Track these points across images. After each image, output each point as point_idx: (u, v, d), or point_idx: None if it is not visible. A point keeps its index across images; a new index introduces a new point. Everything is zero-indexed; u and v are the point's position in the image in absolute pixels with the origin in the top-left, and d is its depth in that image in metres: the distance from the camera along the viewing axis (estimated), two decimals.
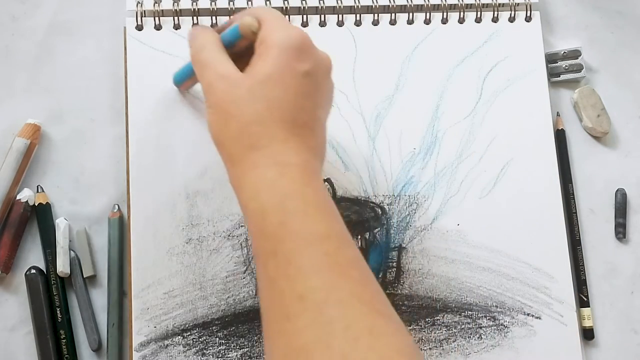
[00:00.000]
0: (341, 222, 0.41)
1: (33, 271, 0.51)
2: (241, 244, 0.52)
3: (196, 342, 0.51)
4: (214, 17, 0.56)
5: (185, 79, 0.52)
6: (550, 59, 0.60)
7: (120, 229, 0.53)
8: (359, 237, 0.53)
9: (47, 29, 0.56)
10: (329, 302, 0.36)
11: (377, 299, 0.39)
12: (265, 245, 0.39)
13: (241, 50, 0.45)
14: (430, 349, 0.52)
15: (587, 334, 0.55)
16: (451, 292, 0.54)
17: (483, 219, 0.55)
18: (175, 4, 0.55)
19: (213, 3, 0.56)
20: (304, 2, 0.56)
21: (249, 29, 0.44)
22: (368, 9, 0.57)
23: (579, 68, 0.59)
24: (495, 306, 0.54)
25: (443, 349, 0.53)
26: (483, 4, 0.59)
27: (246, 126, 0.41)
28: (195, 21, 0.55)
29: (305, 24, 0.57)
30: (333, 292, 0.37)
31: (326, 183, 0.54)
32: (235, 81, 0.42)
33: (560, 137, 0.58)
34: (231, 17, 0.48)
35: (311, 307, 0.36)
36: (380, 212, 0.54)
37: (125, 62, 0.54)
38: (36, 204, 0.53)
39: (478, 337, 0.53)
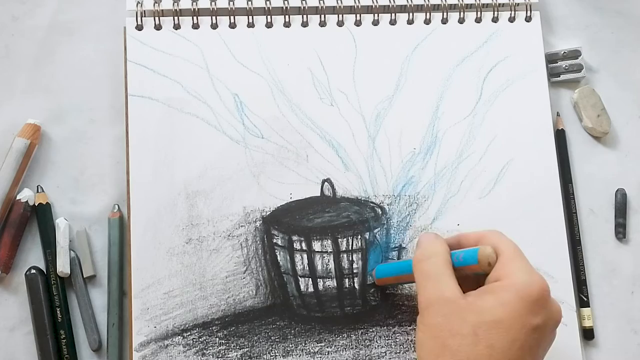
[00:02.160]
0: None
1: (33, 271, 0.51)
2: (241, 244, 0.52)
3: (196, 342, 0.51)
4: (213, 17, 0.56)
5: (390, 277, 0.51)
6: (550, 59, 0.60)
7: (120, 229, 0.53)
8: (359, 237, 0.53)
9: (47, 29, 0.56)
10: None
11: None
12: None
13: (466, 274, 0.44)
14: None
15: (587, 334, 0.55)
16: None
17: (483, 219, 0.55)
18: (175, 4, 0.55)
19: (213, 3, 0.56)
20: (304, 2, 0.56)
21: (487, 260, 0.43)
22: (368, 9, 0.57)
23: (579, 68, 0.59)
24: None
25: None
26: (483, 4, 0.59)
27: None
28: (195, 21, 0.55)
29: (305, 24, 0.57)
30: None
31: (326, 183, 0.54)
32: (461, 312, 0.41)
33: (560, 137, 0.58)
34: (467, 236, 0.47)
35: None
36: (380, 212, 0.54)
37: (125, 62, 0.54)
38: (36, 204, 0.53)
39: None
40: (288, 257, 0.52)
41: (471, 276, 0.44)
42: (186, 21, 0.55)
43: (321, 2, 0.57)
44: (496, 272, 0.42)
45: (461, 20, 0.58)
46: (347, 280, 0.53)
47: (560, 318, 0.44)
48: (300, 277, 0.52)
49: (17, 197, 0.52)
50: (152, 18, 0.55)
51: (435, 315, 0.42)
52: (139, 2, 0.55)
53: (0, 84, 0.55)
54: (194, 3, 0.55)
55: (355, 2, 0.57)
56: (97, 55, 0.56)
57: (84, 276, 0.52)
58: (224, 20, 0.56)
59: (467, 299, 0.42)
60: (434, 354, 0.41)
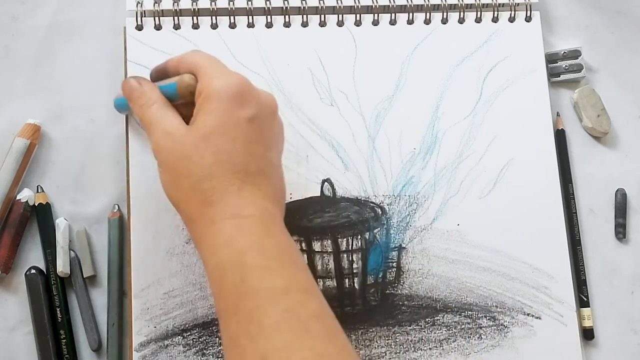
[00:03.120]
0: (304, 270, 0.40)
1: (33, 271, 0.51)
2: None
3: (196, 342, 0.51)
4: (213, 17, 0.56)
5: (125, 109, 0.51)
6: (550, 59, 0.60)
7: (120, 229, 0.53)
8: (359, 237, 0.53)
9: (47, 29, 0.56)
10: None
11: (343, 354, 0.38)
12: (226, 302, 0.39)
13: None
14: (430, 349, 0.52)
15: (587, 334, 0.55)
16: (451, 292, 0.54)
17: (483, 219, 0.55)
18: (175, 4, 0.55)
19: (213, 3, 0.56)
20: (304, 2, 0.56)
21: (187, 90, 0.43)
22: (368, 9, 0.57)
23: (579, 68, 0.59)
24: (495, 306, 0.54)
25: (443, 349, 0.53)
26: (483, 4, 0.59)
27: (197, 183, 0.41)
28: (195, 21, 0.55)
29: (305, 24, 0.57)
30: (295, 352, 0.36)
31: (326, 183, 0.54)
32: (181, 138, 0.42)
33: (560, 137, 0.58)
34: (169, 62, 0.47)
35: None
36: (380, 212, 0.54)
37: (125, 62, 0.54)
38: (36, 204, 0.53)
39: (478, 337, 0.53)
40: None
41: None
42: (186, 21, 0.55)
43: (321, 2, 0.57)
44: (198, 90, 0.43)
45: (461, 20, 0.58)
46: (347, 280, 0.53)
47: (274, 105, 0.44)
48: None
49: (17, 197, 0.52)
50: (152, 18, 0.55)
51: (162, 151, 0.42)
52: (139, 2, 0.55)
53: (0, 84, 0.55)
54: (194, 3, 0.55)
55: (355, 2, 0.57)
56: (97, 55, 0.56)
57: (84, 276, 0.52)
58: (224, 20, 0.56)
59: (184, 127, 0.42)
60: (174, 185, 0.42)
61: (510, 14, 0.59)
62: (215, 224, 0.40)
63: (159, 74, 0.47)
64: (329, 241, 0.53)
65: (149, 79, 0.48)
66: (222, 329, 0.39)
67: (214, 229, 0.40)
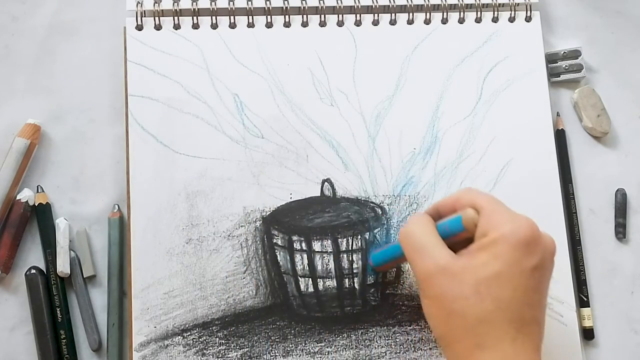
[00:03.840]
0: None
1: (33, 271, 0.51)
2: (241, 244, 0.52)
3: (196, 342, 0.51)
4: (213, 18, 0.56)
5: (387, 262, 0.51)
6: (550, 59, 0.60)
7: (120, 229, 0.53)
8: (359, 237, 0.53)
9: (47, 29, 0.56)
10: None
11: None
12: None
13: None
14: (430, 349, 0.52)
15: (587, 334, 0.55)
16: None
17: None
18: (175, 4, 0.55)
19: (213, 3, 0.56)
20: (304, 2, 0.56)
21: (472, 223, 0.43)
22: (368, 9, 0.57)
23: (579, 68, 0.59)
24: None
25: None
26: (483, 4, 0.59)
27: (472, 326, 0.40)
28: (195, 21, 0.55)
29: (305, 24, 0.57)
30: None
31: (326, 183, 0.54)
32: (459, 275, 0.41)
33: (560, 137, 0.58)
34: (444, 201, 0.47)
35: None
36: (380, 212, 0.54)
37: (125, 62, 0.54)
38: (36, 204, 0.53)
39: None
40: (288, 257, 0.52)
41: (459, 240, 0.44)
42: (186, 21, 0.55)
43: (321, 2, 0.57)
44: (481, 228, 0.42)
45: (461, 20, 0.58)
46: (347, 280, 0.53)
47: (554, 247, 0.44)
48: (300, 277, 0.52)
49: (17, 197, 0.52)
50: (152, 18, 0.55)
51: (434, 286, 0.42)
52: (139, 2, 0.55)
53: (0, 84, 0.55)
54: (194, 3, 0.55)
55: (355, 2, 0.57)
56: (97, 55, 0.56)
57: (84, 276, 0.52)
58: (224, 20, 0.56)
59: (461, 261, 0.42)
60: (444, 321, 0.42)
61: (510, 14, 0.59)
62: None
63: (433, 217, 0.46)
64: (329, 241, 0.53)
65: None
66: None
67: None
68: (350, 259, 0.53)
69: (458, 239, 0.44)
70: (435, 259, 0.42)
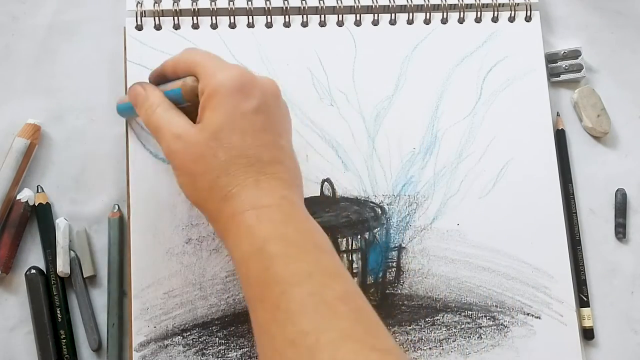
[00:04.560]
0: (329, 253, 0.41)
1: (33, 271, 0.51)
2: None
3: (196, 342, 0.51)
4: (213, 18, 0.56)
5: (131, 114, 0.50)
6: (550, 59, 0.60)
7: (120, 229, 0.53)
8: (359, 236, 0.53)
9: (48, 29, 0.57)
10: (320, 345, 0.36)
11: (372, 333, 0.38)
12: (253, 291, 0.39)
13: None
14: (430, 348, 0.52)
15: (587, 334, 0.55)
16: (451, 292, 0.54)
17: (483, 219, 0.55)
18: (175, 4, 0.55)
19: (213, 3, 0.56)
20: (304, 2, 0.57)
21: (193, 92, 0.43)
22: (368, 9, 0.57)
23: (579, 68, 0.59)
24: (495, 306, 0.54)
25: (443, 348, 0.53)
26: (483, 4, 0.59)
27: (214, 181, 0.41)
28: (195, 21, 0.55)
29: (305, 24, 0.57)
30: (323, 334, 0.36)
31: (326, 183, 0.54)
32: (191, 139, 0.42)
33: (560, 137, 0.58)
34: (166, 64, 0.47)
35: (303, 352, 0.36)
36: (380, 212, 0.54)
37: (125, 62, 0.54)
38: (36, 204, 0.53)
39: (478, 337, 0.53)
40: None
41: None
42: (186, 21, 0.55)
43: (321, 2, 0.57)
44: (201, 88, 0.43)
45: (461, 20, 0.58)
46: None
47: (276, 89, 0.44)
48: None
49: (17, 197, 0.52)
50: (152, 18, 0.55)
51: (176, 155, 0.43)
52: (139, 2, 0.55)
53: (0, 84, 0.55)
54: (194, 3, 0.55)
55: (355, 2, 0.57)
56: (97, 55, 0.56)
57: (84, 276, 0.52)
58: (224, 20, 0.56)
59: (194, 127, 0.42)
60: (192, 186, 0.43)
61: (510, 14, 0.59)
62: (236, 217, 0.41)
63: (158, 78, 0.48)
64: None
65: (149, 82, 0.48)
66: (252, 318, 0.40)
67: (235, 222, 0.41)
68: (350, 258, 0.53)
69: (191, 107, 0.44)
70: (172, 130, 0.43)
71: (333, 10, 0.57)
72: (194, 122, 0.43)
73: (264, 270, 0.39)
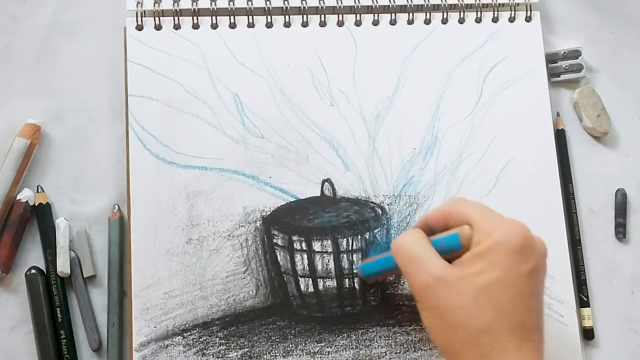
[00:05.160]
0: None
1: (33, 271, 0.51)
2: (241, 244, 0.52)
3: (196, 342, 0.51)
4: (213, 18, 0.56)
5: (378, 273, 0.50)
6: (550, 59, 0.60)
7: (120, 229, 0.53)
8: (359, 237, 0.53)
9: (47, 29, 0.56)
10: None
11: None
12: None
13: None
14: (430, 349, 0.52)
15: (587, 334, 0.55)
16: None
17: None
18: (175, 4, 0.55)
19: (213, 3, 0.56)
20: (304, 2, 0.56)
21: (470, 238, 0.42)
22: (368, 9, 0.57)
23: (579, 68, 0.59)
24: None
25: None
26: (483, 4, 0.59)
27: (475, 336, 0.40)
28: (195, 21, 0.55)
29: (305, 24, 0.57)
30: None
31: (326, 183, 0.54)
32: (456, 286, 0.41)
33: (560, 137, 0.58)
34: (430, 216, 0.46)
35: None
36: (380, 212, 0.54)
37: (125, 62, 0.54)
38: (36, 204, 0.53)
39: None
40: (288, 257, 0.52)
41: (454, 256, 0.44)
42: (186, 21, 0.55)
43: (321, 2, 0.57)
44: (475, 238, 0.42)
45: (461, 20, 0.58)
46: (347, 280, 0.53)
47: (546, 249, 0.43)
48: (300, 277, 0.52)
49: (17, 197, 0.52)
50: (152, 18, 0.55)
51: (431, 298, 0.42)
52: (139, 2, 0.55)
53: (0, 84, 0.55)
54: (194, 3, 0.55)
55: (355, 2, 0.57)
56: (97, 55, 0.56)
57: (84, 276, 0.52)
58: (224, 20, 0.56)
59: (457, 271, 0.41)
60: (446, 332, 0.41)
61: (510, 14, 0.59)
62: None
63: (424, 230, 0.46)
64: (329, 241, 0.53)
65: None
66: None
67: None
68: (350, 259, 0.53)
69: (454, 256, 0.44)
70: (431, 270, 0.42)
71: (333, 10, 0.57)
72: None
73: None
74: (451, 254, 0.44)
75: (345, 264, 0.53)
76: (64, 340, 0.51)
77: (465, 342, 0.41)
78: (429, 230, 0.46)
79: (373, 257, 0.51)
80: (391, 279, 0.53)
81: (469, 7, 0.58)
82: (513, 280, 0.40)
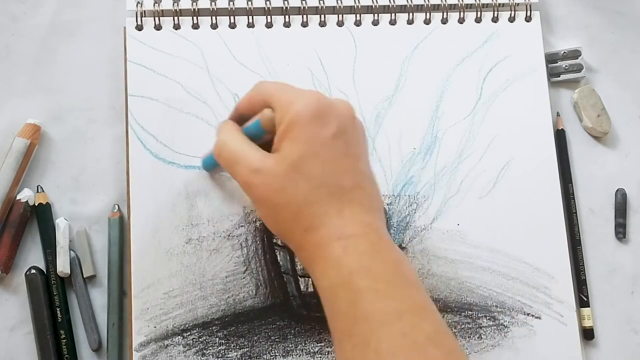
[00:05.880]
0: (416, 286, 0.40)
1: (33, 271, 0.51)
2: (241, 244, 0.52)
3: (196, 342, 0.51)
4: (213, 17, 0.56)
5: (216, 166, 0.51)
6: (550, 59, 0.60)
7: (120, 229, 0.53)
8: None
9: (47, 29, 0.56)
10: None
11: None
12: (340, 325, 0.39)
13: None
14: None
15: (587, 334, 0.55)
16: (451, 292, 0.54)
17: (483, 219, 0.55)
18: (175, 4, 0.55)
19: (213, 3, 0.56)
20: (304, 2, 0.57)
21: (271, 122, 0.43)
22: (368, 9, 0.57)
23: (579, 68, 0.59)
24: (495, 306, 0.54)
25: None
26: (483, 4, 0.59)
27: (298, 212, 0.41)
28: (195, 21, 0.55)
29: (305, 24, 0.57)
30: None
31: None
32: (270, 171, 0.41)
33: (560, 137, 0.58)
34: (239, 105, 0.47)
35: None
36: None
37: (125, 62, 0.54)
38: (36, 204, 0.53)
39: (478, 337, 0.53)
40: (288, 257, 0.52)
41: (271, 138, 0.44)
42: (186, 21, 0.55)
43: (321, 2, 0.57)
44: (277, 119, 0.42)
45: (461, 20, 0.58)
46: None
47: (351, 110, 0.43)
48: (300, 277, 0.52)
49: (17, 197, 0.52)
50: (152, 18, 0.55)
51: (255, 188, 0.42)
52: (139, 2, 0.55)
53: (0, 84, 0.55)
54: (194, 3, 0.55)
55: (355, 2, 0.57)
56: (97, 55, 0.56)
57: (84, 276, 0.52)
58: (224, 20, 0.56)
59: (271, 157, 0.42)
60: (274, 217, 0.42)
61: (510, 14, 0.59)
62: (322, 247, 0.40)
63: (236, 121, 0.47)
64: None
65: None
66: (337, 350, 0.39)
67: (321, 252, 0.40)
68: None
69: (268, 138, 0.44)
70: (249, 164, 0.42)
71: (333, 10, 0.57)
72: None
73: (352, 305, 0.38)
74: (263, 139, 0.44)
75: None
76: (64, 340, 0.51)
77: (291, 220, 0.41)
78: (241, 119, 0.46)
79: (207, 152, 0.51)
80: None
81: (469, 7, 0.58)
82: (317, 148, 0.41)
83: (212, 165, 0.52)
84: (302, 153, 0.41)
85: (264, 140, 0.44)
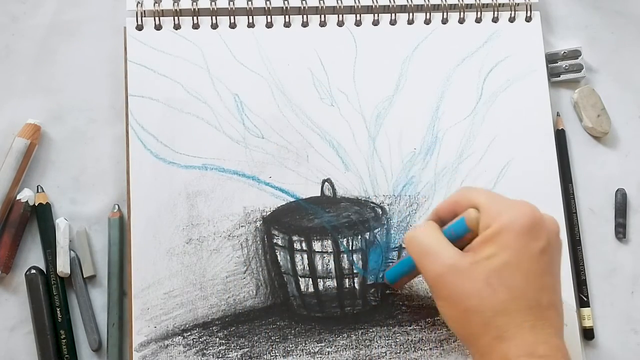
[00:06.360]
0: None
1: (33, 271, 0.51)
2: (241, 244, 0.52)
3: (196, 342, 0.51)
4: (214, 17, 0.56)
5: (401, 276, 0.50)
6: (550, 59, 0.60)
7: (120, 229, 0.53)
8: (359, 237, 0.53)
9: (48, 29, 0.56)
10: None
11: None
12: None
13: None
14: (430, 349, 0.52)
15: (587, 334, 0.55)
16: None
17: None
18: (175, 4, 0.55)
19: (213, 3, 0.56)
20: (304, 2, 0.56)
21: (476, 221, 0.43)
22: (368, 9, 0.57)
23: (579, 68, 0.59)
24: None
25: (443, 349, 0.53)
26: (483, 4, 0.59)
27: (491, 319, 0.40)
28: (195, 21, 0.55)
29: (305, 24, 0.57)
30: None
31: (327, 183, 0.54)
32: (468, 272, 0.41)
33: (560, 137, 0.58)
34: (439, 207, 0.47)
35: None
36: (380, 212, 0.54)
37: (125, 62, 0.54)
38: (36, 204, 0.53)
39: None
40: (288, 257, 0.52)
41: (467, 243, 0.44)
42: (186, 21, 0.55)
43: (321, 2, 0.57)
44: (484, 223, 0.42)
45: (461, 21, 0.58)
46: (347, 280, 0.53)
47: (557, 226, 0.44)
48: (300, 277, 0.52)
49: (17, 197, 0.52)
50: (152, 18, 0.55)
51: (445, 286, 0.42)
52: (139, 2, 0.55)
53: (0, 84, 0.55)
54: (194, 3, 0.55)
55: (355, 2, 0.57)
56: (97, 55, 0.56)
57: (84, 276, 0.52)
58: (224, 20, 0.56)
59: (468, 257, 0.42)
60: (462, 320, 0.42)
61: (510, 14, 0.59)
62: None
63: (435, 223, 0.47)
64: (329, 241, 0.53)
65: None
66: None
67: None
68: (351, 259, 0.53)
69: (466, 241, 0.44)
70: (443, 259, 0.42)
71: (333, 10, 0.57)
72: None
73: None
74: (462, 240, 0.44)
75: (345, 264, 0.53)
76: (64, 340, 0.51)
77: (481, 326, 0.41)
78: (440, 222, 0.46)
79: (393, 263, 0.52)
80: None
81: (469, 7, 0.58)
82: (525, 260, 0.40)
83: (399, 276, 0.51)
84: (508, 261, 0.40)
85: (461, 244, 0.44)
